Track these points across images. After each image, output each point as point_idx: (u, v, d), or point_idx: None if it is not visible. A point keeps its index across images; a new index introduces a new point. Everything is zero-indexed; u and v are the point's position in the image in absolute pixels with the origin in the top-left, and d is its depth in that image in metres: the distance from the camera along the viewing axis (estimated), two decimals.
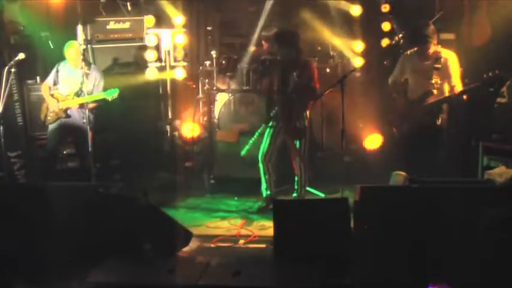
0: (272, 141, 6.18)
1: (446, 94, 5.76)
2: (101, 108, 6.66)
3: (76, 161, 7.13)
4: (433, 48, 5.70)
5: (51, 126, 6.69)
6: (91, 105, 6.42)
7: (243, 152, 6.46)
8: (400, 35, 5.83)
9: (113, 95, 6.41)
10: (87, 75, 6.48)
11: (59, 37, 7.09)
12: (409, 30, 5.93)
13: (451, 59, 5.73)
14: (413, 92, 5.90)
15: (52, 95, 6.63)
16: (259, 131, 6.30)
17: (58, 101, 6.58)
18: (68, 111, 6.58)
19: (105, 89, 6.58)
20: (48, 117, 6.65)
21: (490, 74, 5.33)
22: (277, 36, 6.13)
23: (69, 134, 6.78)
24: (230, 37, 9.17)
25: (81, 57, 6.39)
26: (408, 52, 5.96)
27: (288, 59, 5.95)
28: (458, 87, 5.70)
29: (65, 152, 7.15)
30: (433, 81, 5.70)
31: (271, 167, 6.29)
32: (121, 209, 4.58)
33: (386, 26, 7.89)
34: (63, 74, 6.68)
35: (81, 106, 6.44)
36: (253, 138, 6.41)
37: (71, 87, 6.58)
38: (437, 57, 5.72)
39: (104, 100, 6.46)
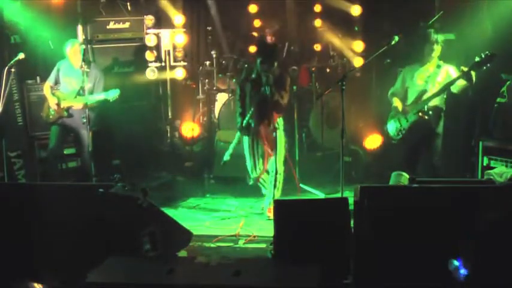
0: (252, 153, 6.20)
1: (444, 100, 5.82)
2: (102, 108, 6.66)
3: (76, 160, 7.13)
4: (436, 55, 5.77)
5: (53, 126, 6.68)
6: (92, 104, 6.43)
7: (225, 157, 6.33)
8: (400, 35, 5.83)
9: (114, 95, 6.40)
10: (87, 73, 6.48)
11: (59, 37, 7.08)
12: (416, 32, 6.00)
13: (450, 69, 5.80)
14: (412, 95, 5.95)
15: (53, 94, 6.63)
16: (238, 134, 6.25)
17: (59, 100, 6.57)
18: (70, 111, 6.58)
19: (105, 89, 6.57)
20: (50, 116, 6.65)
21: (482, 55, 5.38)
22: (259, 48, 6.28)
23: (69, 134, 6.78)
24: (230, 37, 9.18)
25: (81, 57, 6.37)
26: (410, 66, 6.04)
27: (265, 70, 5.93)
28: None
29: (65, 152, 7.14)
30: (430, 83, 5.75)
31: (264, 177, 6.27)
32: (121, 209, 4.57)
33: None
34: (64, 73, 6.67)
35: (83, 105, 6.43)
36: (234, 143, 6.30)
37: (72, 86, 6.57)
38: (437, 65, 5.81)
39: (105, 100, 6.45)
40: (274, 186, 6.12)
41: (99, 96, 6.45)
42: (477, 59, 5.42)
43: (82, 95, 6.46)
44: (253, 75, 6.09)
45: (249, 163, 6.25)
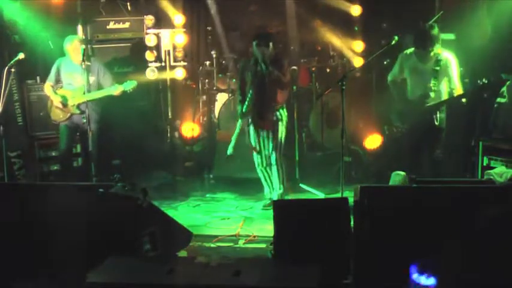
0: (258, 143, 6.30)
1: (445, 96, 5.80)
2: (105, 104, 6.64)
3: (76, 160, 7.13)
4: (434, 50, 5.73)
5: (62, 124, 6.64)
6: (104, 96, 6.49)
7: (229, 151, 6.34)
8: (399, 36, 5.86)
9: (131, 86, 6.42)
10: (88, 67, 6.46)
11: (59, 37, 7.08)
12: (413, 32, 5.97)
13: (450, 60, 5.75)
14: (412, 92, 5.93)
15: (56, 93, 6.56)
16: (239, 124, 6.28)
17: (66, 99, 6.53)
18: (80, 107, 6.50)
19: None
20: (61, 116, 6.61)
21: (484, 80, 5.38)
22: (256, 37, 6.34)
23: (76, 131, 6.75)
24: (230, 37, 9.18)
25: (81, 57, 6.34)
26: (407, 52, 5.97)
27: (264, 56, 6.06)
28: (458, 89, 5.72)
29: None
30: (431, 84, 5.73)
31: (269, 171, 6.35)
32: (121, 209, 4.57)
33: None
34: (66, 70, 6.61)
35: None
36: (235, 135, 6.32)
37: (77, 82, 6.51)
38: (437, 60, 5.73)
39: (124, 92, 6.47)
40: (280, 178, 6.28)
41: (117, 88, 6.43)
42: (481, 82, 5.45)
43: (91, 90, 6.42)
44: (251, 62, 6.20)
45: (255, 154, 6.32)
